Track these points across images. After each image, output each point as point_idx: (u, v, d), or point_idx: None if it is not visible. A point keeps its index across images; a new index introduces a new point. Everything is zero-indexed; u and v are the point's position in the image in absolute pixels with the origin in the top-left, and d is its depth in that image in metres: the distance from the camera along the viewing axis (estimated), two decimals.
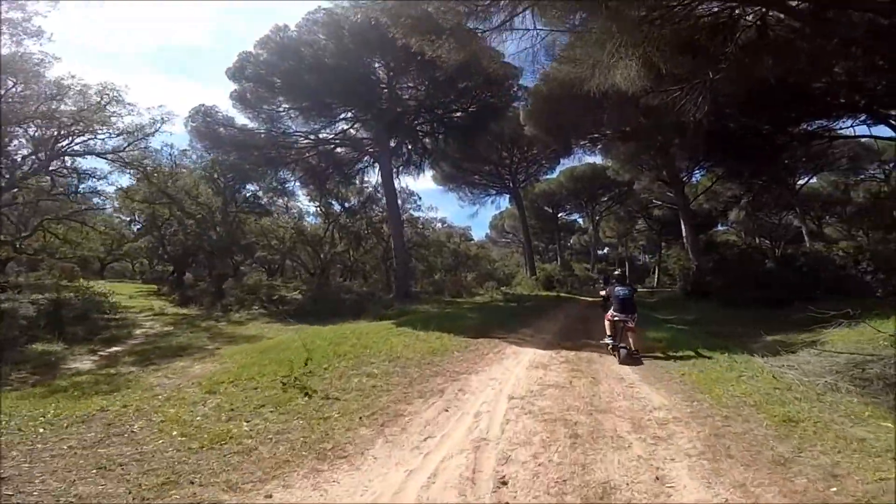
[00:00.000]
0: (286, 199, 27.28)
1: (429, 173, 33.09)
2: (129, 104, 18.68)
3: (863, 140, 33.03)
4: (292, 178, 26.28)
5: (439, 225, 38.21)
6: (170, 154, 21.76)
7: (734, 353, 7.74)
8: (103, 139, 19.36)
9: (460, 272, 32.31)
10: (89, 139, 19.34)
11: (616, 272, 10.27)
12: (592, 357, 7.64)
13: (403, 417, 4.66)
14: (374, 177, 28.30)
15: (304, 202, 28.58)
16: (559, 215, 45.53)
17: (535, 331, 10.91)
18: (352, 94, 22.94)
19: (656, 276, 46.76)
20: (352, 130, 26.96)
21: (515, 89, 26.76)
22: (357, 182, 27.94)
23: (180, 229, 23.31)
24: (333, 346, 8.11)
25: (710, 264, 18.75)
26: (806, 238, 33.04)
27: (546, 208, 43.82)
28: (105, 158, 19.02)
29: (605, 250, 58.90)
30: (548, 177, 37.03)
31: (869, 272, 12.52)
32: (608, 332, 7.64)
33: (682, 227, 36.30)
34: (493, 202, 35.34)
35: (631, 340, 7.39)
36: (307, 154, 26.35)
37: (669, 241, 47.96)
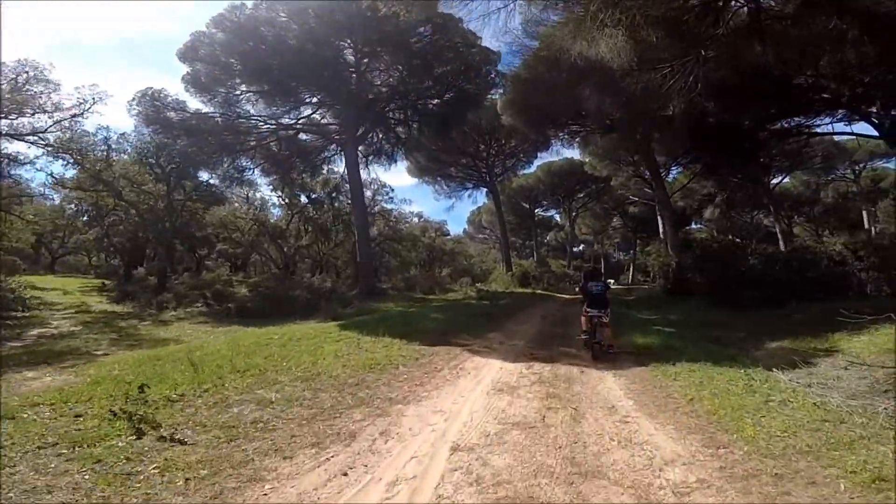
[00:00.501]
0: (246, 188, 24.86)
1: (403, 165, 31.12)
2: (52, 82, 16.10)
3: (836, 139, 32.66)
4: (252, 167, 23.92)
5: (416, 220, 36.47)
6: (105, 138, 19.16)
7: (744, 365, 6.12)
8: (30, 121, 16.73)
9: (435, 267, 30.45)
10: (13, 120, 16.68)
11: (590, 268, 9.91)
12: (572, 374, 5.88)
13: (263, 484, 2.80)
14: (341, 166, 26.18)
15: (267, 192, 26.29)
16: (536, 211, 44.10)
17: (506, 335, 9.14)
18: (318, 78, 20.84)
19: (631, 274, 45.88)
20: (317, 116, 24.80)
21: (493, 76, 25.00)
22: (324, 171, 25.75)
23: (124, 220, 20.74)
24: (243, 356, 6.18)
25: (690, 261, 17.37)
26: (780, 237, 32.46)
27: (523, 204, 42.30)
28: (24, 141, 16.39)
29: (581, 247, 57.98)
30: (525, 171, 35.52)
31: (866, 270, 11.24)
32: (584, 328, 7.32)
33: (661, 222, 35.20)
34: (469, 196, 33.60)
35: (604, 335, 7.10)
36: (269, 141, 24.06)
37: (644, 238, 47.23)
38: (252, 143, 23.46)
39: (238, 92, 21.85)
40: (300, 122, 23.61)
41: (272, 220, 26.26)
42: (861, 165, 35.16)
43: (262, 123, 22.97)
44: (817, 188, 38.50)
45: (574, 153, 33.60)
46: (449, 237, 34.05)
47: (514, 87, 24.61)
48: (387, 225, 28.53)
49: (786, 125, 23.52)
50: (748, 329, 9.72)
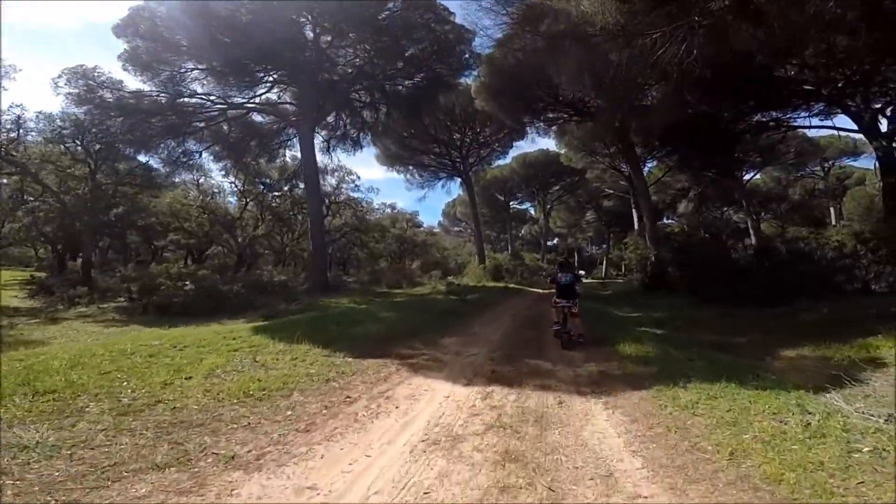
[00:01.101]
0: (197, 174, 22.18)
1: (372, 152, 28.83)
2: None
3: (810, 136, 32.01)
4: (199, 150, 21.29)
5: (389, 210, 34.20)
6: (18, 117, 16.28)
7: (780, 387, 4.32)
8: None
9: (406, 260, 28.35)
10: None
11: (561, 260, 9.62)
12: (546, 408, 3.90)
13: None
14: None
15: (220, 179, 23.68)
16: (511, 204, 42.41)
17: (466, 341, 7.17)
18: (274, 56, 18.46)
19: (604, 268, 44.83)
20: (274, 97, 22.26)
21: (467, 56, 22.95)
22: (283, 156, 23.28)
23: (50, 206, 17.89)
24: (82, 369, 4.06)
25: (670, 254, 15.85)
26: (751, 232, 31.74)
27: (498, 196, 40.54)
28: None
29: (555, 241, 56.77)
30: (500, 162, 33.73)
31: (878, 263, 9.81)
32: (555, 318, 7.12)
33: (636, 215, 33.99)
34: (443, 186, 31.53)
35: (574, 325, 7.03)
36: (219, 122, 21.44)
37: (617, 233, 46.27)
38: (200, 125, 20.82)
39: (185, 70, 19.19)
40: (253, 101, 21.03)
41: (225, 209, 23.57)
42: (830, 163, 34.73)
43: (213, 104, 20.35)
44: (787, 185, 38.01)
45: (550, 143, 32.20)
46: (422, 228, 31.97)
47: (488, 69, 22.71)
48: (354, 215, 26.23)
49: (763, 118, 22.50)
50: (747, 331, 8.07)
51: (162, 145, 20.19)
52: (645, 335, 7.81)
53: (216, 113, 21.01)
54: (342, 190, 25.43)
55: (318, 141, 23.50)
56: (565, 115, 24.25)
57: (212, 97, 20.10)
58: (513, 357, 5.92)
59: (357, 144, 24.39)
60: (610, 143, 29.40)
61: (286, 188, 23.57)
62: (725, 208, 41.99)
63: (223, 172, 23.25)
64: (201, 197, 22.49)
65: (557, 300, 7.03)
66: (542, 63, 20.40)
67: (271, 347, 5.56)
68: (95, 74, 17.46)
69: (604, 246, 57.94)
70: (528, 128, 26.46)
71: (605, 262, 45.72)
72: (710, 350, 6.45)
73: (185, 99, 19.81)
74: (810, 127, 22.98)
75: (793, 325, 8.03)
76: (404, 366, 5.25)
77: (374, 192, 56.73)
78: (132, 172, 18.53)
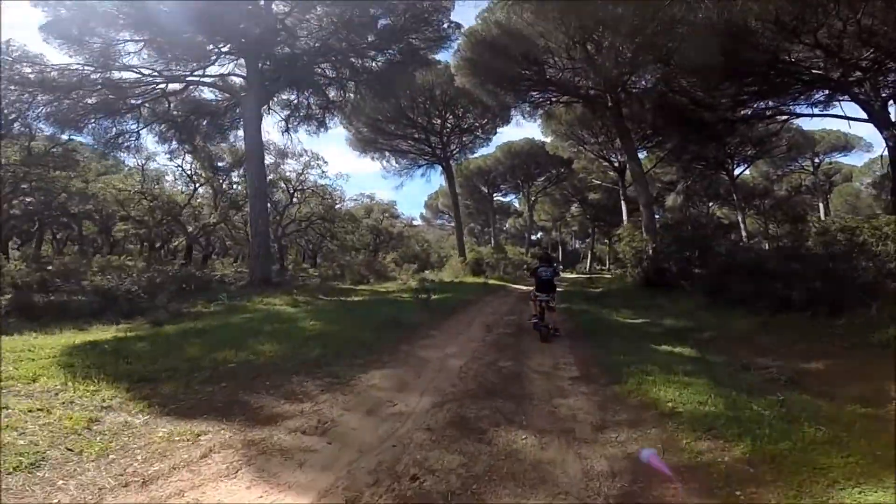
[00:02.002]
0: (137, 156, 18.93)
1: (343, 135, 25.79)
2: None
3: (803, 129, 29.97)
4: (137, 129, 18.11)
5: (367, 200, 31.20)
6: None
7: None
8: None
9: (382, 252, 25.46)
10: None
11: (541, 254, 9.69)
12: None
13: None
14: (265, 130, 20.64)
15: (167, 162, 20.46)
16: (495, 196, 39.79)
17: (400, 379, 4.40)
18: (224, 27, 15.36)
19: (588, 262, 42.60)
20: (225, 71, 19.01)
21: (446, 26, 19.98)
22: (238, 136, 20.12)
23: None
24: None
25: (675, 247, 13.37)
26: (742, 227, 29.72)
27: (481, 187, 37.84)
28: None
29: (539, 235, 54.43)
30: (484, 151, 31.00)
31: None
32: (534, 312, 6.88)
33: (625, 206, 31.63)
34: (423, 175, 28.66)
35: (552, 318, 6.83)
36: (162, 99, 18.16)
37: (601, 227, 44.13)
38: (136, 102, 17.54)
39: (119, 42, 15.91)
40: (196, 75, 17.75)
41: (170, 195, 20.35)
42: (821, 158, 32.86)
43: (151, 79, 17.06)
44: (776, 179, 36.11)
45: (536, 132, 29.50)
46: (400, 219, 29.12)
47: (469, 43, 19.87)
48: (321, 203, 23.22)
49: (761, 106, 20.28)
50: (821, 354, 5.48)
51: (93, 124, 16.99)
52: (672, 360, 5.19)
53: (157, 89, 17.77)
54: (308, 176, 22.36)
55: (275, 120, 20.47)
56: (553, 97, 21.60)
57: (150, 71, 16.84)
58: (475, 422, 3.18)
59: (322, 125, 21.33)
60: (600, 130, 26.95)
61: (242, 171, 20.44)
62: (711, 203, 40.09)
63: (169, 155, 20.01)
64: (141, 182, 19.21)
65: (537, 294, 6.91)
66: (529, 35, 17.71)
67: (34, 386, 2.74)
68: (10, 49, 14.36)
69: (587, 240, 55.87)
70: (512, 110, 23.75)
71: (589, 257, 43.47)
72: (795, 390, 3.83)
73: (120, 73, 16.58)
74: (813, 115, 20.50)
75: (864, 343, 5.46)
76: (235, 453, 2.47)
77: (344, 179, 53.33)
78: (49, 153, 15.24)
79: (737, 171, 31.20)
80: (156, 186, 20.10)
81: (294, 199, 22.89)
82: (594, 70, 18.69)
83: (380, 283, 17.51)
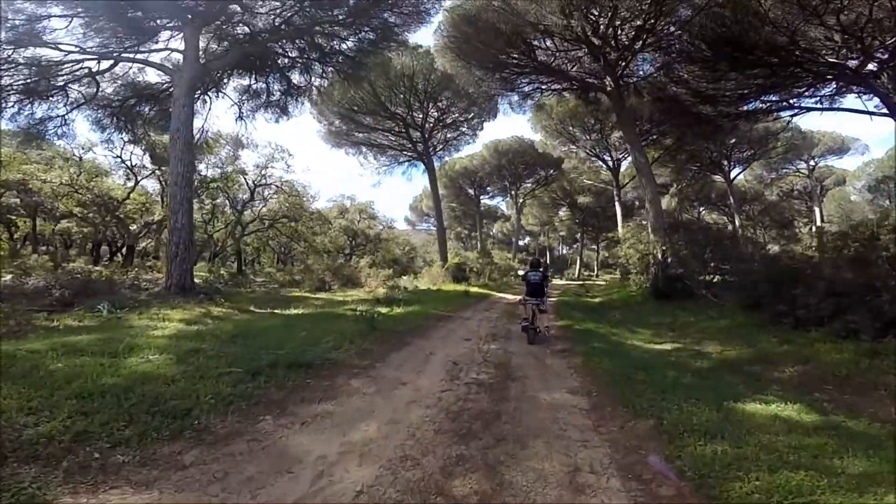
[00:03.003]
0: (67, 143, 15.69)
1: (315, 127, 22.80)
2: None
3: (802, 129, 27.84)
4: (65, 114, 14.94)
5: (348, 202, 28.05)
6: None
7: None
8: None
9: (356, 256, 22.38)
10: None
11: (531, 259, 8.51)
12: None
13: None
14: (214, 115, 17.59)
15: (105, 151, 17.27)
16: (482, 198, 37.05)
17: None
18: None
19: (577, 268, 40.01)
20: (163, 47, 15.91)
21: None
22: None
23: None
24: None
25: (694, 251, 10.64)
26: (739, 232, 27.41)
27: (468, 189, 35.09)
28: None
29: (527, 240, 51.84)
30: (470, 149, 28.32)
31: None
32: (524, 315, 6.76)
33: (619, 208, 29.09)
34: (404, 173, 25.80)
35: (541, 322, 6.78)
36: (90, 80, 14.98)
37: (588, 231, 41.69)
38: (62, 83, 14.34)
39: (46, 17, 12.74)
40: (131, 52, 14.60)
41: (107, 189, 17.09)
42: (816, 160, 30.78)
43: (79, 56, 13.88)
44: (770, 183, 34.02)
45: (524, 129, 26.82)
46: (378, 220, 26.10)
47: (452, 22, 17.18)
48: (286, 201, 20.13)
49: (767, 99, 18.02)
50: None
51: (12, 108, 13.79)
52: (796, 444, 2.35)
53: (84, 68, 14.59)
54: (272, 170, 19.27)
55: (225, 104, 17.37)
56: (544, 84, 18.92)
57: (72, 48, 13.67)
58: None
59: (284, 112, 18.28)
60: (593, 126, 24.39)
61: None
62: (702, 208, 37.97)
63: (107, 144, 16.81)
64: (77, 173, 15.96)
65: (527, 298, 6.81)
66: (520, 10, 15.06)
67: None
68: None
69: (575, 246, 53.43)
70: (499, 100, 21.01)
71: (578, 262, 40.89)
72: None
73: (43, 50, 13.41)
74: (823, 109, 18.12)
75: None
76: None
77: (307, 171, 50.19)
78: None
79: (733, 174, 28.94)
80: (94, 179, 16.81)
81: (255, 196, 19.74)
82: (591, 52, 16.10)
83: (343, 291, 14.52)
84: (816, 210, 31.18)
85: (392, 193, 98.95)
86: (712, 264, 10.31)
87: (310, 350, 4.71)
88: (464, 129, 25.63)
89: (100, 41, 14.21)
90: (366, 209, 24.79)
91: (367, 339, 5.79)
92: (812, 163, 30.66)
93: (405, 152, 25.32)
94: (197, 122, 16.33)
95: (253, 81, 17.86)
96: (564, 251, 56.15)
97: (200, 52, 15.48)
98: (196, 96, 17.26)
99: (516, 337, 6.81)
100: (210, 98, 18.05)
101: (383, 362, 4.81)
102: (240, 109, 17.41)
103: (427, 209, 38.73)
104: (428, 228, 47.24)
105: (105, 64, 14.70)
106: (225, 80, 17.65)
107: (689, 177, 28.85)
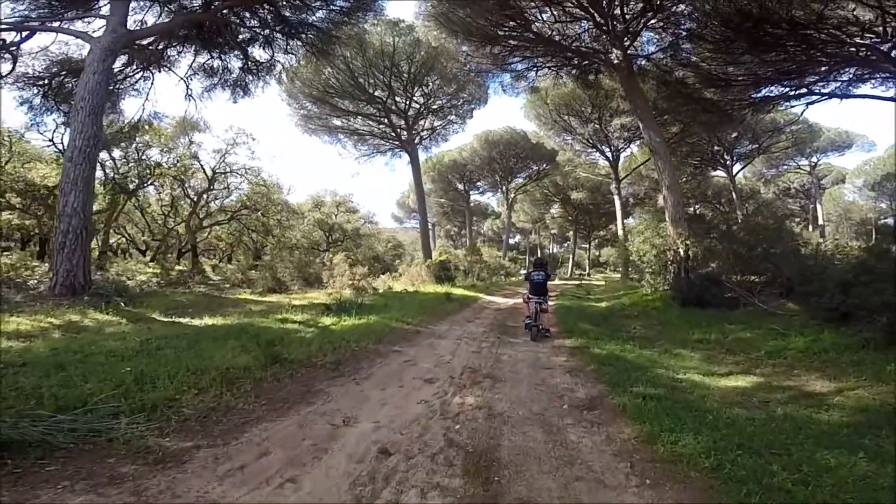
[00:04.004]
0: None
1: (286, 111, 19.97)
2: None
3: (810, 121, 25.66)
4: None
5: (329, 196, 25.17)
6: None
7: None
8: None
9: (333, 252, 19.62)
10: None
11: (535, 259, 8.66)
12: None
13: None
14: (168, 96, 14.84)
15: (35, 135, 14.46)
16: (472, 194, 34.44)
17: None
18: None
19: (570, 267, 37.64)
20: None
21: None
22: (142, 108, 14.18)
23: None
24: None
25: (733, 249, 8.19)
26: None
27: (458, 184, 32.50)
28: None
29: (517, 238, 49.46)
30: (458, 140, 25.71)
31: None
32: (528, 313, 6.76)
33: (618, 201, 26.75)
34: (387, 163, 23.12)
35: (543, 320, 6.66)
36: (11, 53, 12.13)
37: (581, 229, 39.38)
38: None
39: None
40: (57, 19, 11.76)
41: (32, 176, 14.21)
42: (818, 156, 28.70)
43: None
44: (770, 180, 31.95)
45: (518, 120, 24.24)
46: (359, 214, 23.37)
47: None
48: (253, 190, 17.35)
49: (786, 84, 15.89)
50: None
51: None
52: None
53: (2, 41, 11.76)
54: (234, 157, 16.49)
55: (171, 80, 14.56)
56: (539, 61, 16.40)
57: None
58: None
59: (244, 91, 15.50)
60: (591, 115, 21.96)
61: (129, 145, 14.51)
62: (698, 205, 35.88)
63: (34, 125, 14.02)
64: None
65: (530, 296, 6.77)
66: None
67: None
68: None
69: (566, 244, 51.10)
70: (490, 80, 18.47)
71: (571, 261, 38.55)
72: None
73: None
74: (843, 96, 15.94)
75: None
76: None
77: (276, 158, 46.92)
78: None
79: (735, 169, 26.74)
80: (25, 166, 13.93)
81: (214, 184, 16.94)
82: (595, 24, 13.63)
83: (304, 293, 11.86)
84: (819, 208, 29.11)
85: (380, 190, 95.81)
86: (758, 267, 7.83)
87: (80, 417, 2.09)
88: (452, 117, 23.03)
89: (34, 10, 11.52)
90: (344, 202, 22.04)
91: (238, 386, 3.16)
92: (814, 159, 28.57)
93: (388, 140, 22.64)
94: (136, 102, 13.55)
95: (208, 57, 15.10)
96: (555, 250, 53.83)
97: (137, 23, 12.79)
98: (130, 69, 14.54)
99: (511, 376, 4.23)
100: (153, 74, 15.26)
101: (197, 465, 2.16)
102: (187, 86, 14.57)
103: (415, 205, 36.01)
104: (416, 226, 44.51)
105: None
106: (172, 55, 14.85)
107: (688, 172, 26.59)
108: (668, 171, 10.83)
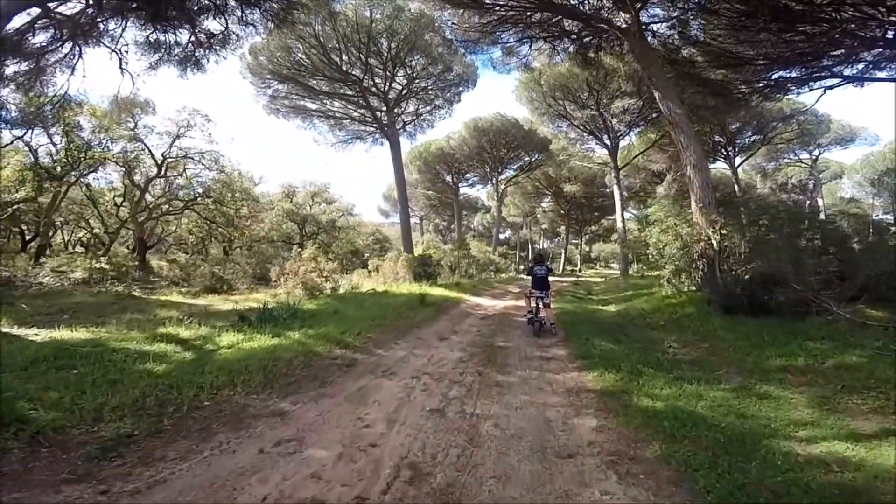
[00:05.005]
0: None
1: (249, 91, 17.34)
2: None
3: (818, 112, 23.73)
4: None
5: (307, 187, 22.52)
6: None
7: None
8: None
9: (306, 245, 17.16)
10: None
11: (536, 254, 8.95)
12: None
13: None
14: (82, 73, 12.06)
15: None
16: (461, 187, 32.09)
17: None
18: None
19: (562, 263, 35.54)
20: None
21: None
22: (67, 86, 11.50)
23: None
24: None
25: (774, 239, 6.04)
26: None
27: (446, 176, 30.08)
28: None
29: (508, 233, 47.32)
30: (445, 125, 23.33)
31: None
32: (529, 308, 6.50)
33: (617, 192, 24.76)
34: (367, 151, 20.68)
35: (545, 314, 6.34)
36: None
37: (573, 224, 37.36)
38: None
39: None
40: None
41: None
42: (821, 149, 26.83)
43: None
44: (770, 173, 30.11)
45: (509, 106, 21.90)
46: (337, 205, 20.84)
47: None
48: (218, 179, 14.81)
49: (807, 66, 13.76)
50: None
51: None
52: None
53: None
54: (188, 139, 13.93)
55: (101, 51, 11.94)
56: (534, 31, 14.07)
57: None
58: None
59: (195, 64, 12.81)
60: (587, 99, 19.74)
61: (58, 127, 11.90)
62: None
63: None
64: None
65: (532, 290, 6.58)
66: None
67: None
68: None
69: (557, 239, 49.08)
70: (477, 52, 16.03)
71: (563, 257, 36.47)
72: None
73: None
74: (866, 79, 14.30)
75: None
76: None
77: (230, 142, 43.67)
78: None
79: (737, 161, 24.76)
80: None
81: (164, 171, 14.38)
82: None
83: (251, 292, 9.45)
84: (820, 202, 27.28)
85: (368, 182, 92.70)
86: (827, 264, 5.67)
87: None
88: (438, 102, 20.56)
89: None
90: (320, 192, 19.52)
91: None
92: (817, 152, 26.71)
93: (367, 125, 20.16)
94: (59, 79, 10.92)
95: (150, 30, 12.40)
96: (546, 245, 51.78)
97: None
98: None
99: (495, 492, 1.94)
100: (80, 47, 12.53)
101: None
102: (120, 58, 11.87)
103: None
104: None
105: None
106: (113, 29, 12.15)
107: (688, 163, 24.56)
108: (693, 145, 8.60)
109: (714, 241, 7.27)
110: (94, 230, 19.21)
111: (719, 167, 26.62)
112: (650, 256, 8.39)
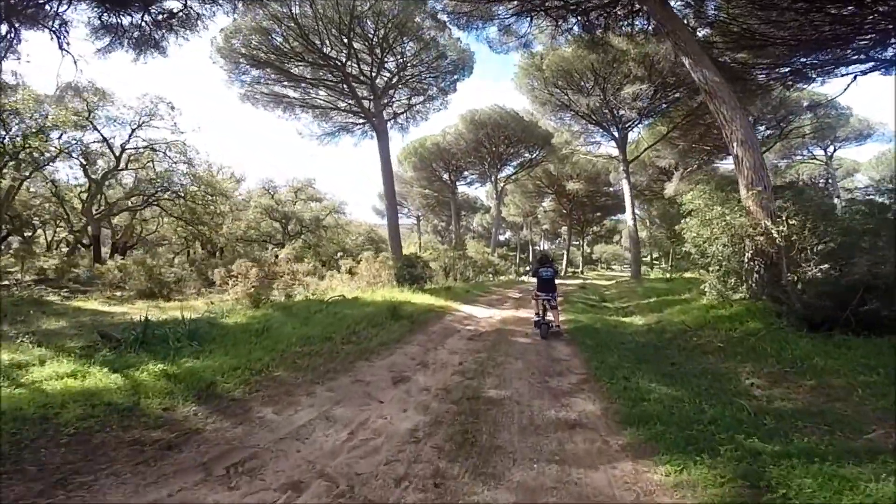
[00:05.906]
0: None
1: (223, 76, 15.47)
2: None
3: (839, 106, 21.73)
4: None
5: (286, 185, 20.57)
6: None
7: None
8: None
9: (288, 243, 15.25)
10: None
11: (540, 255, 8.02)
12: None
13: None
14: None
15: None
16: (459, 185, 30.14)
17: None
18: None
19: (564, 265, 33.51)
20: None
21: None
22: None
23: None
24: None
25: (875, 229, 4.12)
26: None
27: (443, 174, 28.16)
28: None
29: (507, 234, 45.34)
30: (440, 117, 21.46)
31: None
32: (536, 310, 6.30)
33: (626, 185, 22.84)
34: (356, 144, 18.88)
35: (552, 317, 6.16)
36: None
37: (575, 224, 35.40)
38: None
39: None
40: None
41: None
42: (836, 146, 24.81)
43: None
44: (783, 170, 28.05)
45: (508, 99, 19.97)
46: (323, 202, 18.92)
47: None
48: (191, 174, 12.92)
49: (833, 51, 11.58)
50: None
51: None
52: None
53: None
54: (151, 129, 12.05)
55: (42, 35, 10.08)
56: (534, 2, 12.18)
57: None
58: None
59: (156, 48, 10.89)
60: (594, 85, 17.80)
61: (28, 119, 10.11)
62: None
63: None
64: None
65: (538, 293, 6.36)
66: None
67: None
68: None
69: (558, 240, 47.04)
70: (471, 30, 14.15)
71: (565, 259, 34.44)
72: None
73: None
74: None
75: None
76: None
77: (197, 131, 40.27)
78: None
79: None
80: None
81: (124, 163, 12.50)
82: None
83: (200, 296, 7.52)
84: (837, 203, 25.18)
85: (363, 183, 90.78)
86: None
87: None
88: (432, 91, 18.61)
89: None
90: (304, 189, 17.62)
91: None
92: (832, 149, 24.68)
93: (356, 116, 18.26)
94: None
95: (101, 9, 10.52)
96: (546, 246, 49.74)
97: None
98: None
99: None
100: (16, 29, 10.65)
101: None
102: (58, 37, 10.00)
103: (399, 198, 31.61)
104: (399, 220, 40.11)
105: None
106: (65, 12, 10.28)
107: (702, 158, 22.59)
108: (738, 118, 6.63)
109: (777, 236, 5.30)
110: (75, 229, 17.42)
111: (727, 166, 24.65)
112: (690, 256, 6.43)
